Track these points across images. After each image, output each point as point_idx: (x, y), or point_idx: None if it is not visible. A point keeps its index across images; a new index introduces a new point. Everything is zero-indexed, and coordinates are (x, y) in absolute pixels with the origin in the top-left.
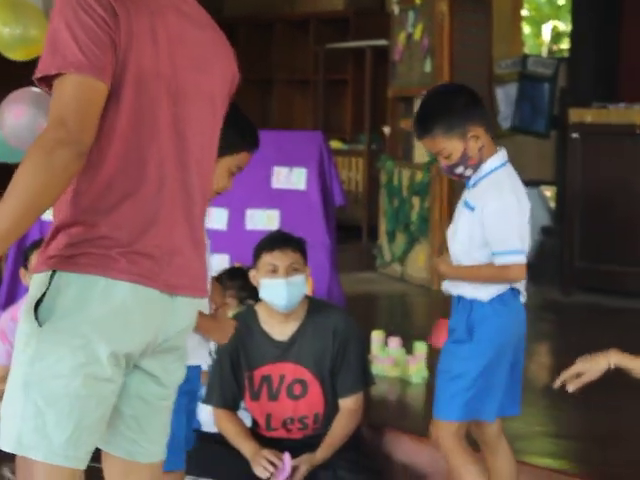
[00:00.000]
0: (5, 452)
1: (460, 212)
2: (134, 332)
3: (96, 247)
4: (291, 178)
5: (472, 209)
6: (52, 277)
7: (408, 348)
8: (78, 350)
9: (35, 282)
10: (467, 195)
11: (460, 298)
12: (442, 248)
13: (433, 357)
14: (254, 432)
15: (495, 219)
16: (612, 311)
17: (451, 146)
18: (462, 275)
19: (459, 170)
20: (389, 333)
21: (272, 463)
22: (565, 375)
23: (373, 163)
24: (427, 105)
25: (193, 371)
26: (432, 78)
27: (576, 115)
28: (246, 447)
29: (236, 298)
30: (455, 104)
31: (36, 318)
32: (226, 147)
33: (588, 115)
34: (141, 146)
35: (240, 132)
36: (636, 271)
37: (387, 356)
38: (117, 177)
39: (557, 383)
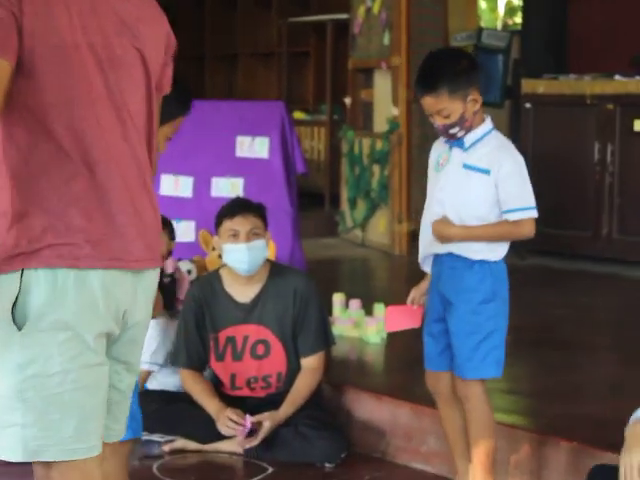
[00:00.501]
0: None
1: (461, 175)
2: (111, 313)
3: (58, 237)
4: (254, 147)
5: (486, 172)
6: (21, 277)
7: (368, 310)
8: (65, 344)
9: (3, 285)
10: (464, 158)
11: (475, 262)
12: (401, 214)
13: None
14: (219, 391)
15: (512, 177)
16: (564, 273)
17: (452, 107)
18: (476, 235)
19: (454, 130)
20: (350, 296)
21: (236, 422)
22: None
23: (335, 133)
24: (434, 65)
25: None
26: (390, 50)
27: (528, 86)
28: (211, 405)
29: None
30: (461, 66)
31: (14, 322)
32: (166, 115)
33: (540, 86)
34: (77, 121)
35: (179, 99)
36: (586, 235)
37: (347, 317)
38: (59, 158)
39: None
